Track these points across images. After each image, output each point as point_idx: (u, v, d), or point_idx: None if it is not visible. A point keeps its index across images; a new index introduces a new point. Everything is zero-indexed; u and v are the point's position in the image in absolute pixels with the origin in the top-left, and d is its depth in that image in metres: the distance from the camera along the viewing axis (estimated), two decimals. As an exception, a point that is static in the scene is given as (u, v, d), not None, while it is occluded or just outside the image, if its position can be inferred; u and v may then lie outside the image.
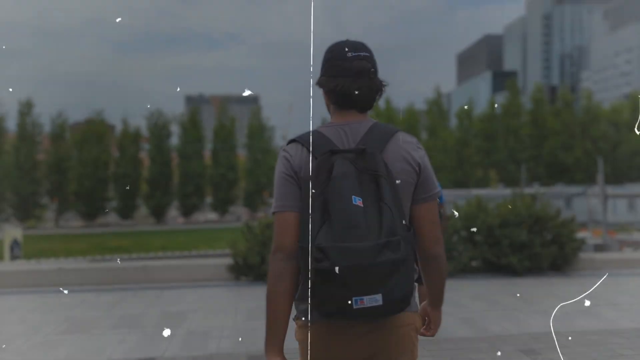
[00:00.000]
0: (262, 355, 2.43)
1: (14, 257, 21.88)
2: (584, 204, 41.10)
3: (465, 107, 55.86)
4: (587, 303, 5.51)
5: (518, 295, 6.60)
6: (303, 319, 1.71)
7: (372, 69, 1.77)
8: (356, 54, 1.75)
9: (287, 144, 1.79)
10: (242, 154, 53.25)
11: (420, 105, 55.87)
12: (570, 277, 7.82)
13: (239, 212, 54.04)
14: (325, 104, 1.89)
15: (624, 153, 53.98)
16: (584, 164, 53.28)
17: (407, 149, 1.74)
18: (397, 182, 1.67)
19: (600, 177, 24.00)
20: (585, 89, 69.83)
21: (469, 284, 7.55)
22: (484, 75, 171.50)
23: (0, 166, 44.56)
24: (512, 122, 54.45)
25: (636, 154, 54.40)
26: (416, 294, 1.82)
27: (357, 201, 1.58)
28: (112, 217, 50.02)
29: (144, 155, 50.01)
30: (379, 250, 1.52)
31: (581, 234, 9.10)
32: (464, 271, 8.04)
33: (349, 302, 1.52)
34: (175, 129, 50.82)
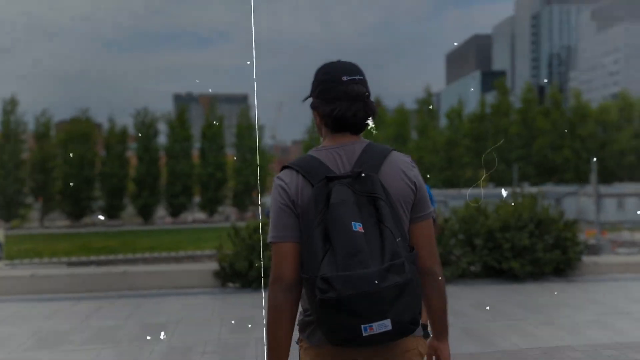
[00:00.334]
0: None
1: (-5, 259, 21.24)
2: (574, 203, 41.11)
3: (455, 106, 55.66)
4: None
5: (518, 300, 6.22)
6: (307, 341, 1.72)
7: (367, 93, 1.77)
8: (351, 77, 1.75)
9: (281, 171, 1.76)
10: (231, 153, 52.77)
11: (410, 104, 55.51)
12: (575, 283, 7.44)
13: (228, 212, 53.55)
14: (315, 124, 1.89)
15: (612, 152, 54.08)
16: (572, 163, 53.41)
17: (403, 169, 1.74)
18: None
19: (593, 176, 23.77)
20: (574, 88, 69.96)
21: (469, 290, 7.16)
22: (473, 74, 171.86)
23: (-16, 165, 43.75)
24: (502, 121, 54.43)
25: (624, 154, 54.55)
26: None
27: (358, 227, 1.57)
28: (97, 216, 49.28)
29: (131, 154, 49.40)
30: (383, 274, 1.51)
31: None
32: (463, 277, 7.66)
33: (358, 329, 1.51)
34: (163, 127, 50.27)
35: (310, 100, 1.86)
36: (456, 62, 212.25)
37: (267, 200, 57.25)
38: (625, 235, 28.77)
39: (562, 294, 6.77)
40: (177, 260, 26.24)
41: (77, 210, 47.02)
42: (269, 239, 1.71)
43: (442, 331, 1.85)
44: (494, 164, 52.34)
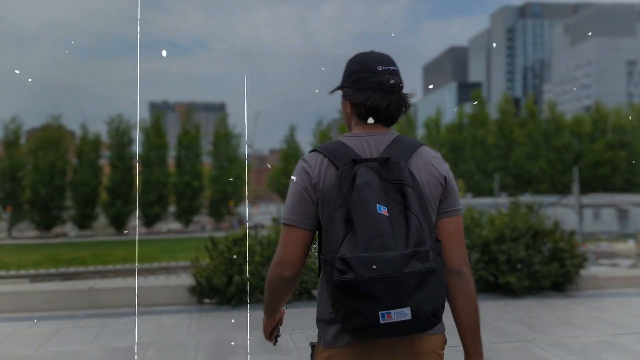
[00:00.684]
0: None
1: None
2: (551, 213, 41.24)
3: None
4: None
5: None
6: (322, 343, 1.66)
7: (401, 84, 1.74)
8: (386, 67, 1.72)
9: (308, 153, 1.74)
10: (207, 162, 52.01)
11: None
12: (575, 298, 7.02)
13: (204, 222, 52.63)
14: (344, 115, 1.85)
15: (586, 163, 54.66)
16: (548, 174, 53.94)
17: (432, 162, 1.70)
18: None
19: (575, 187, 23.69)
20: (549, 100, 70.81)
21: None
22: (449, 85, 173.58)
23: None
24: (479, 132, 54.80)
25: (599, 165, 55.21)
26: None
27: (382, 210, 1.51)
28: (69, 227, 47.93)
29: (104, 163, 48.29)
30: (406, 260, 1.44)
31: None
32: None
33: (376, 316, 1.43)
34: (138, 135, 49.24)
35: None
36: (433, 73, 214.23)
37: (242, 210, 56.76)
38: (604, 246, 28.78)
39: (564, 311, 6.33)
40: (151, 272, 25.49)
41: (47, 220, 45.66)
42: (282, 220, 1.67)
43: (475, 351, 1.68)
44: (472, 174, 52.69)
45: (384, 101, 1.70)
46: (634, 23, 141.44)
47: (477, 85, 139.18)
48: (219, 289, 6.73)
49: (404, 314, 1.42)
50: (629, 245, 29.13)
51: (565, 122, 57.08)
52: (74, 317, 6.28)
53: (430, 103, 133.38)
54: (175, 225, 51.02)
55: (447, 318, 1.63)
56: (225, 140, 50.93)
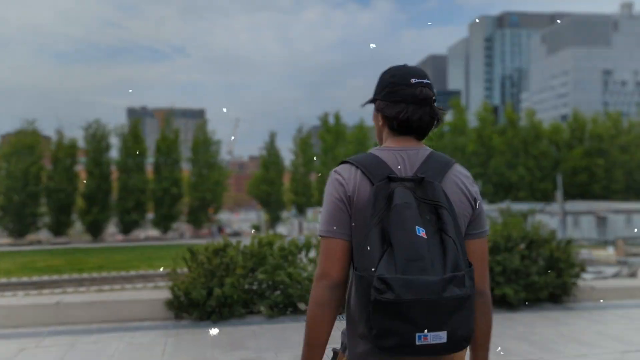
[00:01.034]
0: None
1: None
2: (531, 220, 41.35)
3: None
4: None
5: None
6: (349, 356, 1.65)
7: (434, 97, 1.73)
8: (419, 80, 1.71)
9: (339, 165, 1.72)
10: (186, 168, 51.27)
11: (370, 121, 55.21)
12: (574, 311, 6.69)
13: (182, 229, 51.78)
14: (376, 127, 1.85)
15: (564, 171, 55.14)
16: (527, 181, 54.36)
17: (465, 182, 1.71)
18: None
19: (558, 194, 23.63)
20: (527, 108, 71.49)
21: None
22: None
23: None
24: (459, 140, 55.01)
25: (576, 172, 55.74)
26: None
27: (421, 232, 1.51)
28: (43, 234, 46.73)
29: (80, 169, 47.26)
30: (445, 285, 1.45)
31: None
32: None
33: (412, 337, 1.44)
34: (115, 141, 48.30)
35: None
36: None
37: (223, 217, 55.85)
38: (585, 253, 28.82)
39: (565, 326, 5.99)
40: (128, 280, 24.82)
41: (21, 227, 44.44)
42: (319, 232, 1.67)
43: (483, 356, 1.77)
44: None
45: (416, 114, 1.69)
46: (609, 33, 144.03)
47: (456, 93, 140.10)
48: (198, 303, 6.27)
49: (440, 337, 1.44)
50: (609, 252, 29.25)
51: (543, 130, 57.64)
52: (38, 334, 5.76)
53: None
54: (153, 232, 50.10)
55: None
56: (204, 146, 50.28)
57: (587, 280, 7.48)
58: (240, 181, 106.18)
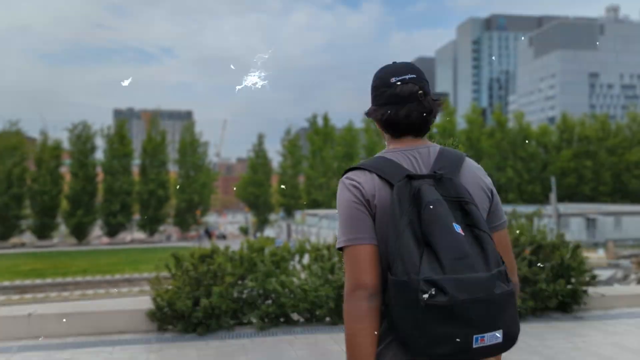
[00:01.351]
0: None
1: None
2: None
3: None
4: None
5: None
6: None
7: (420, 91, 1.66)
8: (400, 78, 1.66)
9: (348, 172, 1.63)
10: (173, 170, 50.63)
11: (358, 123, 55.04)
12: (585, 320, 6.29)
13: (169, 232, 51.08)
14: (381, 134, 1.79)
15: (553, 173, 55.24)
16: (515, 183, 54.36)
17: (479, 175, 1.68)
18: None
19: (552, 196, 23.41)
20: (516, 111, 71.74)
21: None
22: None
23: None
24: (447, 142, 54.80)
25: (565, 174, 55.83)
26: None
27: (459, 229, 1.44)
28: (27, 237, 45.82)
29: (65, 170, 46.46)
30: (494, 281, 1.39)
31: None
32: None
33: (469, 340, 1.36)
34: (101, 143, 47.52)
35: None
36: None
37: (210, 219, 55.19)
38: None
39: (579, 337, 5.58)
40: (113, 284, 24.25)
41: (4, 229, 43.54)
42: (340, 244, 1.56)
43: None
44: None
45: (401, 112, 1.63)
46: (596, 37, 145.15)
47: (445, 96, 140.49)
48: (183, 314, 5.79)
49: (496, 337, 1.39)
50: (599, 254, 29.10)
51: (532, 132, 57.70)
52: (7, 350, 5.25)
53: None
54: (139, 235, 49.35)
55: None
56: (191, 148, 49.68)
57: (597, 286, 7.08)
58: (228, 183, 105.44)
